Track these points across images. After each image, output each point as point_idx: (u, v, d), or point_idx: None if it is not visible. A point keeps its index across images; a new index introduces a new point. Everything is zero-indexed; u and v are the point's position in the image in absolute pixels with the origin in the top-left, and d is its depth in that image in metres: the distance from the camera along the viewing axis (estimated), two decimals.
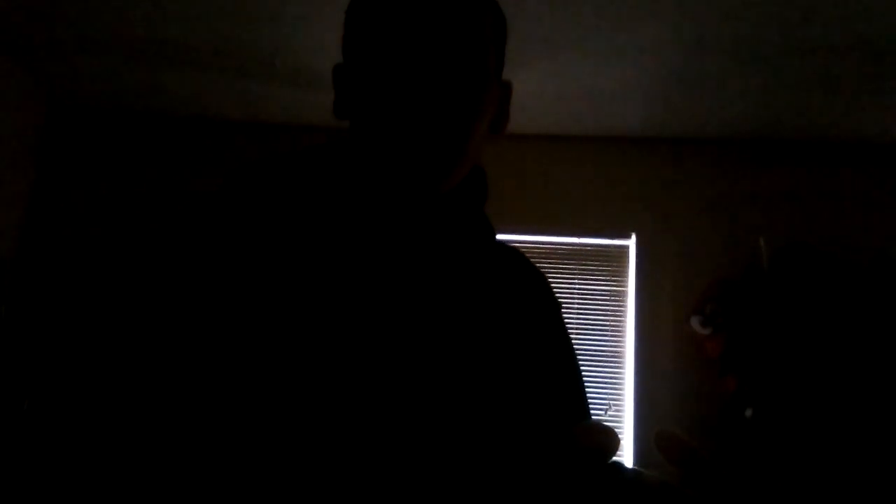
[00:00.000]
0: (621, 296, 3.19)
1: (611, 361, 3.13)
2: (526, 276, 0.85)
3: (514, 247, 0.87)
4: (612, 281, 3.22)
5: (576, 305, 3.18)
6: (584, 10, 2.36)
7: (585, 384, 0.85)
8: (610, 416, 3.06)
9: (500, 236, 0.87)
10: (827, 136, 3.16)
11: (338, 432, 0.61)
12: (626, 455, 3.00)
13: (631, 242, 3.24)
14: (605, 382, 3.10)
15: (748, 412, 2.69)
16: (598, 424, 0.66)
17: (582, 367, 0.87)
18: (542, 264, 3.21)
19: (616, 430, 3.03)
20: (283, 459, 0.61)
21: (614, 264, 3.24)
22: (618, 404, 3.07)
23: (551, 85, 2.89)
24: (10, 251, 3.16)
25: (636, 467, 2.82)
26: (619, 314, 3.18)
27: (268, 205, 0.72)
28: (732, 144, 3.27)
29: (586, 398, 0.84)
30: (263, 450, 0.61)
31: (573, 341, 0.86)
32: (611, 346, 3.14)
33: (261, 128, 3.41)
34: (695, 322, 2.97)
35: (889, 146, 3.17)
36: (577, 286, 3.21)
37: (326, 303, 0.65)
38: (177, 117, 3.43)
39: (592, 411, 0.86)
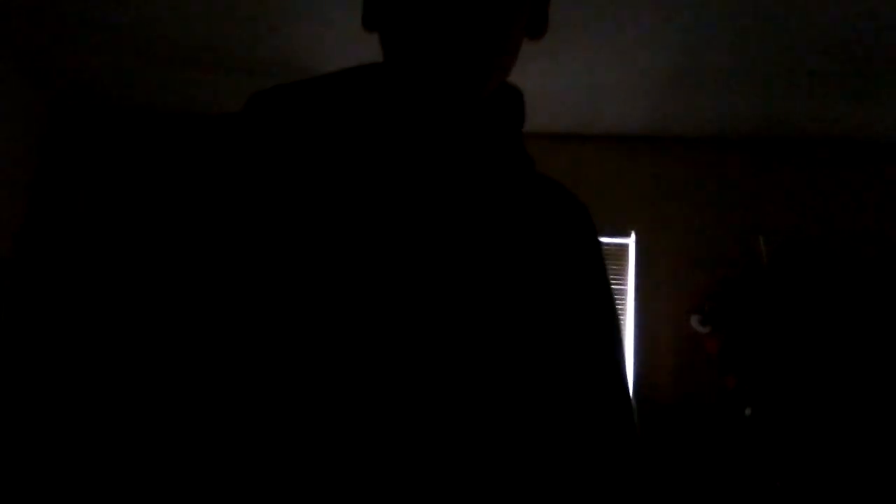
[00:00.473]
0: (621, 294, 3.20)
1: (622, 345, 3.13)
2: (565, 211, 0.79)
3: (552, 179, 0.81)
4: (611, 279, 3.22)
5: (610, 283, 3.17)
6: (583, 10, 2.36)
7: (620, 326, 0.81)
8: None
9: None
10: (827, 135, 3.16)
11: (349, 390, 0.58)
12: None
13: (630, 241, 3.24)
14: None
15: (747, 410, 2.70)
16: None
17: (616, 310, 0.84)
18: None
19: None
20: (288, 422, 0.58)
21: (614, 262, 3.24)
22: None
23: (551, 83, 2.90)
24: (9, 251, 3.17)
25: None
26: (619, 312, 3.18)
27: (289, 125, 0.68)
28: (732, 144, 3.27)
29: (620, 345, 0.80)
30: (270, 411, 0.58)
31: (609, 283, 0.81)
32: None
33: None
34: (694, 320, 2.97)
35: (889, 146, 3.17)
36: None
37: (348, 234, 0.61)
38: (177, 116, 3.43)
39: (621, 358, 0.82)
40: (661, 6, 2.32)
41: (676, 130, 3.25)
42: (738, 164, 3.26)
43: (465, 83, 0.65)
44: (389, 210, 0.63)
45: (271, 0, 2.44)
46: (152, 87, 3.17)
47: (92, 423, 0.66)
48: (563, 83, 2.89)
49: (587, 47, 2.61)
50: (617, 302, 3.31)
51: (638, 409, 3.02)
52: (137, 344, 0.66)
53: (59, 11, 2.60)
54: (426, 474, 0.57)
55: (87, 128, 3.46)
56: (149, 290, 0.66)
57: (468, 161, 0.69)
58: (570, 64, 2.74)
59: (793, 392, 2.63)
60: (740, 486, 2.74)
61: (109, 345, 0.68)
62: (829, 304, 2.72)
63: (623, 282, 3.21)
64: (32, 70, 3.11)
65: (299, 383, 0.58)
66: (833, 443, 2.55)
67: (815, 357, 2.64)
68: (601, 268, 0.79)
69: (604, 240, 3.22)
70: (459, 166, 0.68)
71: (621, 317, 3.09)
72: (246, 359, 0.60)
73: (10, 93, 3.09)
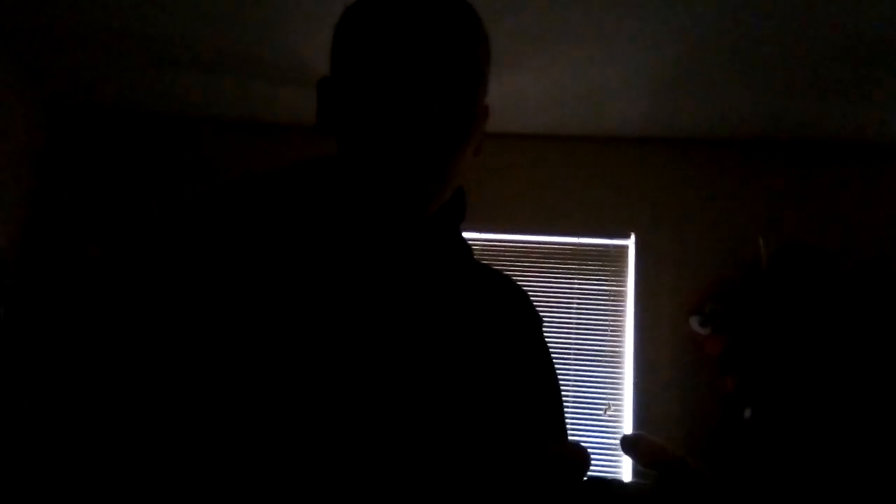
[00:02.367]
0: (621, 296, 3.20)
1: (610, 361, 3.13)
2: (504, 294, 0.83)
3: (490, 266, 0.87)
4: (611, 281, 3.22)
5: (575, 305, 3.18)
6: (583, 10, 2.36)
7: (563, 402, 0.84)
8: (609, 416, 3.06)
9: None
10: (826, 136, 3.16)
11: (319, 449, 0.62)
12: (624, 455, 3.00)
13: (630, 242, 3.24)
14: (605, 382, 3.10)
15: (747, 412, 2.70)
16: (573, 443, 0.65)
17: (567, 381, 0.88)
18: (541, 264, 3.24)
19: (618, 434, 3.03)
20: (266, 474, 0.62)
21: (614, 264, 3.24)
22: (617, 404, 3.07)
23: (551, 84, 2.90)
24: (10, 252, 3.16)
25: (619, 479, 2.83)
26: (619, 314, 3.18)
27: (258, 218, 0.71)
28: (732, 144, 3.27)
29: (563, 416, 0.84)
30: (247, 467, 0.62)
31: (554, 357, 0.85)
32: (610, 346, 3.15)
33: (261, 128, 3.41)
34: (694, 322, 2.97)
35: (889, 146, 3.17)
36: (576, 286, 3.21)
37: (309, 322, 0.65)
38: (177, 117, 3.43)
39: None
40: (661, 7, 2.32)
41: (677, 132, 3.25)
42: (738, 166, 3.26)
43: (415, 202, 0.70)
44: (343, 296, 0.67)
45: (271, 1, 2.44)
46: (152, 88, 3.17)
47: (91, 426, 0.67)
48: (562, 84, 2.89)
49: (587, 48, 2.61)
50: (611, 296, 3.27)
51: (637, 409, 3.02)
52: (136, 357, 0.69)
53: (58, 13, 2.60)
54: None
55: (86, 129, 3.46)
56: (150, 311, 0.71)
57: (415, 253, 0.74)
58: (570, 65, 2.73)
59: (793, 394, 2.63)
60: (740, 488, 2.73)
61: (110, 356, 0.70)
62: (829, 306, 2.72)
63: (623, 283, 3.21)
64: (32, 72, 3.11)
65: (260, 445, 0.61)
66: (833, 444, 2.55)
67: (816, 358, 2.64)
68: (541, 344, 0.83)
69: (604, 241, 3.23)
70: (408, 257, 0.73)
71: (619, 315, 3.11)
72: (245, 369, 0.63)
73: (10, 94, 3.09)
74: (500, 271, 0.86)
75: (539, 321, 0.84)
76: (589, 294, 3.20)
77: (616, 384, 3.10)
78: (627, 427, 3.02)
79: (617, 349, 3.14)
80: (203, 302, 0.66)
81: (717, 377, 2.90)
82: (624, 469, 3.00)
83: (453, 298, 0.74)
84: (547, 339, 0.85)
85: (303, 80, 2.92)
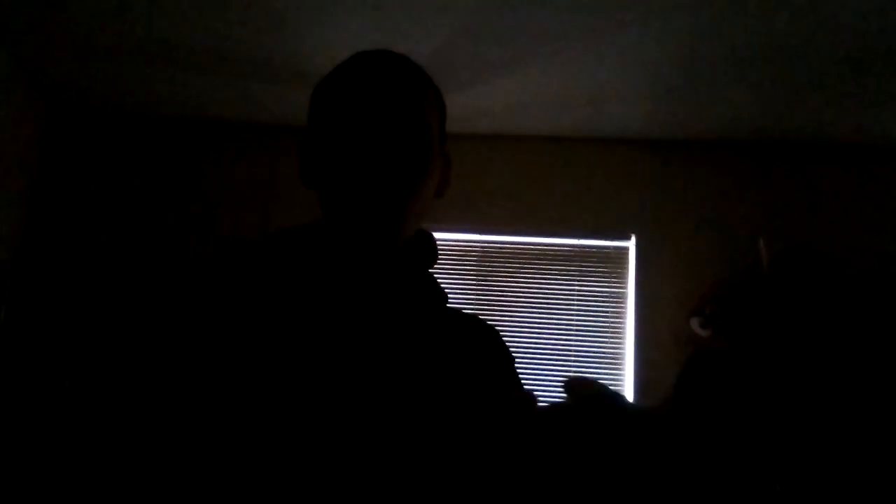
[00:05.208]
0: (621, 297, 3.19)
1: (611, 363, 3.12)
2: (474, 333, 0.92)
3: (459, 310, 0.96)
4: (611, 282, 3.22)
5: (576, 307, 3.18)
6: (584, 12, 2.36)
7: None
8: None
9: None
10: (827, 136, 3.16)
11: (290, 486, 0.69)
12: None
13: (631, 244, 3.24)
14: (605, 383, 3.09)
15: None
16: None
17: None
18: (542, 266, 3.23)
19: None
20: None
21: (614, 266, 3.23)
22: None
23: (551, 86, 2.89)
24: (10, 252, 3.16)
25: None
26: (619, 315, 3.18)
27: (249, 271, 0.83)
28: (732, 145, 3.27)
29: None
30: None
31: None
32: (611, 348, 3.14)
33: (261, 128, 3.40)
34: (694, 323, 2.97)
35: (889, 146, 3.17)
36: (576, 288, 3.20)
37: (284, 363, 0.75)
38: (177, 118, 3.43)
39: None
40: (662, 8, 2.32)
41: (677, 133, 3.25)
42: (738, 167, 3.26)
43: (383, 235, 0.81)
44: (325, 338, 0.78)
45: (271, 3, 2.43)
46: (152, 90, 3.17)
47: (91, 427, 0.70)
48: (563, 85, 2.89)
49: (587, 49, 2.61)
50: (612, 298, 3.25)
51: (638, 410, 3.01)
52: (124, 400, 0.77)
53: (58, 15, 2.60)
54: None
55: (86, 130, 3.46)
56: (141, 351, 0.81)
57: (388, 296, 0.85)
58: (571, 66, 2.73)
59: (793, 395, 2.62)
60: (740, 490, 2.73)
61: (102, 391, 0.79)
62: (829, 308, 2.72)
63: (623, 285, 3.21)
64: (32, 72, 3.10)
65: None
66: (833, 446, 2.55)
67: (816, 360, 2.64)
68: (514, 380, 0.92)
69: (604, 243, 3.23)
70: (381, 300, 0.84)
71: (619, 317, 3.10)
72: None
73: (10, 96, 3.08)
74: (473, 315, 0.96)
75: (510, 360, 0.93)
76: (589, 295, 3.20)
77: (616, 385, 3.09)
78: None
79: (617, 350, 3.14)
80: (198, 333, 0.77)
81: None
82: None
83: (421, 338, 0.83)
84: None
85: (302, 81, 2.92)
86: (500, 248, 3.27)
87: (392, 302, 0.85)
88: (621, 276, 3.22)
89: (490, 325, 0.95)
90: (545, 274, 3.22)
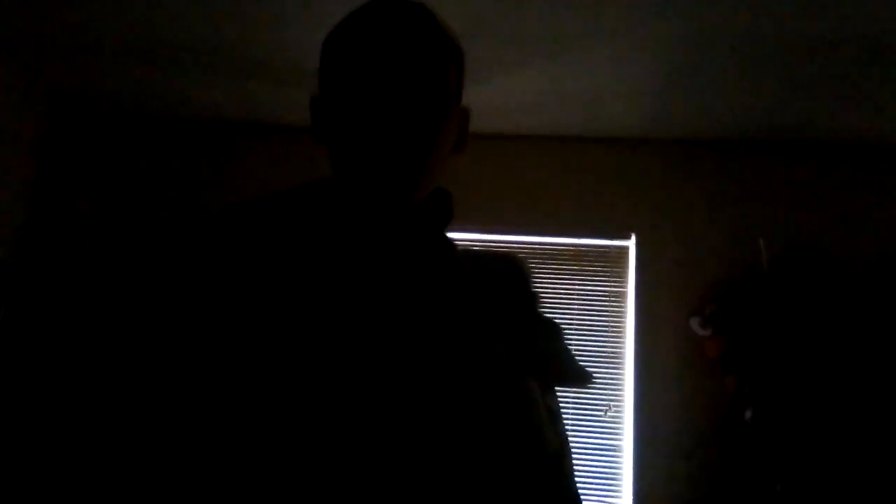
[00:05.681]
0: (621, 296, 3.19)
1: (611, 362, 3.12)
2: (495, 280, 0.90)
3: (482, 252, 0.93)
4: (612, 281, 3.22)
5: (576, 306, 3.18)
6: (584, 11, 2.36)
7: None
8: (609, 416, 3.06)
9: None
10: (827, 136, 3.16)
11: (330, 439, 0.66)
12: (625, 456, 3.00)
13: (631, 243, 3.24)
14: (605, 383, 3.09)
15: (748, 413, 2.69)
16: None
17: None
18: (542, 265, 3.23)
19: (617, 427, 3.03)
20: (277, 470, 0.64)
21: (614, 265, 3.24)
22: (618, 405, 3.07)
23: (551, 85, 2.89)
24: (10, 252, 3.16)
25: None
26: (619, 315, 3.18)
27: (261, 229, 0.79)
28: (732, 144, 3.27)
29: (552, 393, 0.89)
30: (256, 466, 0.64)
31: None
32: (611, 347, 3.14)
33: (261, 128, 3.41)
34: (694, 323, 2.97)
35: (889, 146, 3.17)
36: (577, 287, 3.20)
37: (304, 322, 0.71)
38: (177, 117, 3.43)
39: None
40: (661, 8, 2.32)
41: (677, 133, 3.25)
42: (738, 167, 3.26)
43: (399, 192, 0.78)
44: (345, 295, 0.74)
45: (271, 2, 2.43)
46: (151, 89, 3.17)
47: (93, 428, 0.69)
48: (563, 85, 2.89)
49: (587, 49, 2.60)
50: (612, 297, 3.26)
51: (638, 409, 3.01)
52: (145, 358, 0.74)
53: (58, 14, 2.60)
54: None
55: (86, 130, 3.46)
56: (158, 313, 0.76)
57: (406, 252, 0.81)
58: (571, 66, 2.73)
59: (793, 395, 2.62)
60: (741, 489, 2.73)
61: (116, 358, 0.74)
62: (829, 307, 2.72)
63: (623, 284, 3.21)
64: (32, 73, 3.10)
65: (286, 450, 0.65)
66: (833, 445, 2.55)
67: (816, 359, 2.64)
68: (537, 320, 0.92)
69: (604, 242, 3.23)
70: (397, 260, 0.79)
71: (620, 316, 3.10)
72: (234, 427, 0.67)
73: (10, 95, 3.08)
74: (495, 254, 0.92)
75: (533, 298, 0.93)
76: (589, 295, 3.20)
77: (616, 385, 3.10)
78: (627, 427, 3.02)
79: (617, 350, 3.14)
80: (207, 303, 0.73)
81: (718, 378, 2.89)
82: (624, 468, 2.99)
83: (440, 293, 0.80)
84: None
85: (303, 81, 2.92)
86: (500, 247, 3.27)
87: (409, 261, 0.80)
88: (621, 276, 3.22)
89: (509, 258, 0.93)
90: (545, 273, 3.22)
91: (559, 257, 3.24)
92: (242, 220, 0.79)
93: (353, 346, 0.70)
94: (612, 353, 3.14)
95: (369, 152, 0.76)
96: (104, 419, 0.71)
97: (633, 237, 3.23)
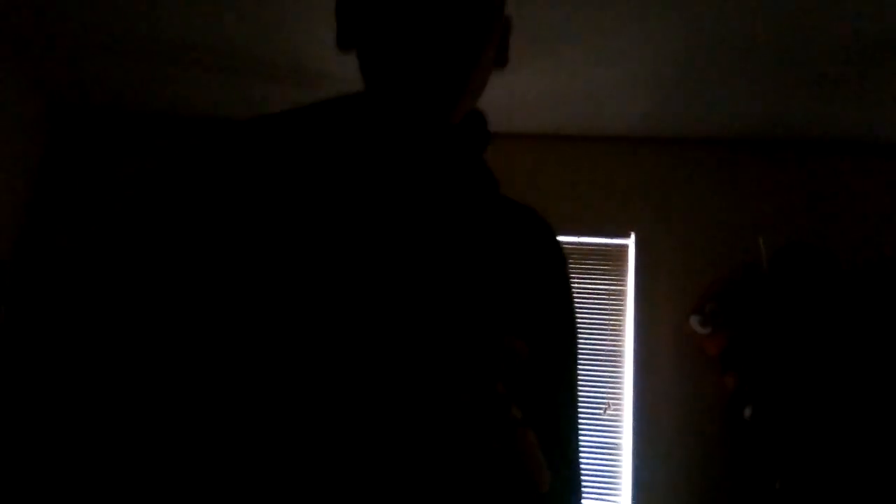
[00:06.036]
0: (620, 295, 3.20)
1: (610, 360, 3.13)
2: (528, 229, 0.81)
3: (515, 201, 0.82)
4: (611, 280, 3.22)
5: (575, 305, 3.17)
6: (583, 10, 2.36)
7: (576, 345, 0.83)
8: (609, 415, 3.06)
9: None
10: (827, 134, 3.16)
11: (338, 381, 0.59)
12: (624, 455, 3.00)
13: (630, 241, 3.24)
14: (605, 382, 3.10)
15: (747, 412, 2.70)
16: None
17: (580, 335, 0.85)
18: None
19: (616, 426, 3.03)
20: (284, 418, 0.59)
21: (613, 263, 3.24)
22: (617, 403, 3.07)
23: (551, 84, 2.90)
24: (9, 252, 3.16)
25: None
26: (619, 313, 3.18)
27: (275, 142, 0.71)
28: (733, 143, 3.27)
29: (572, 363, 0.82)
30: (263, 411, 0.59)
31: (571, 297, 0.83)
32: (610, 346, 3.15)
33: None
34: (694, 321, 2.97)
35: (889, 146, 3.17)
36: (576, 285, 3.19)
37: (325, 238, 0.63)
38: (177, 117, 3.43)
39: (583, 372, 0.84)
40: (661, 7, 2.32)
41: (677, 131, 3.25)
42: (738, 165, 3.26)
43: (438, 106, 0.68)
44: (368, 221, 0.65)
45: (271, 1, 2.44)
46: (152, 88, 3.17)
47: (91, 424, 0.66)
48: (563, 83, 2.89)
49: (587, 47, 2.61)
50: (611, 296, 3.26)
51: (637, 408, 3.02)
52: (136, 344, 0.66)
53: (59, 13, 2.60)
54: (418, 472, 0.57)
55: (86, 129, 3.46)
56: (147, 290, 0.67)
57: (438, 179, 0.72)
58: (570, 64, 2.74)
59: (793, 393, 2.63)
60: (740, 488, 2.74)
61: (108, 345, 0.68)
62: (829, 306, 2.72)
63: (623, 283, 3.21)
64: (32, 72, 3.11)
65: (294, 381, 0.59)
66: (833, 444, 2.55)
67: (816, 358, 2.64)
68: (565, 288, 0.82)
69: (604, 240, 3.23)
70: (430, 184, 0.71)
71: (619, 314, 3.11)
72: (243, 356, 0.60)
73: (10, 94, 3.09)
74: (529, 207, 0.82)
75: (563, 261, 0.83)
76: (589, 293, 3.20)
77: (616, 384, 3.10)
78: (627, 426, 3.03)
79: (617, 348, 3.14)
80: (216, 221, 0.66)
81: (718, 377, 2.90)
82: (624, 469, 3.00)
83: (471, 224, 0.72)
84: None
85: (303, 80, 2.93)
86: None
87: (443, 186, 0.72)
88: (621, 274, 3.22)
89: (544, 220, 0.82)
90: None
91: None
92: (254, 133, 0.73)
93: (352, 278, 0.62)
94: (612, 351, 3.14)
95: (407, 60, 0.66)
96: (101, 417, 0.68)
97: (633, 235, 3.23)
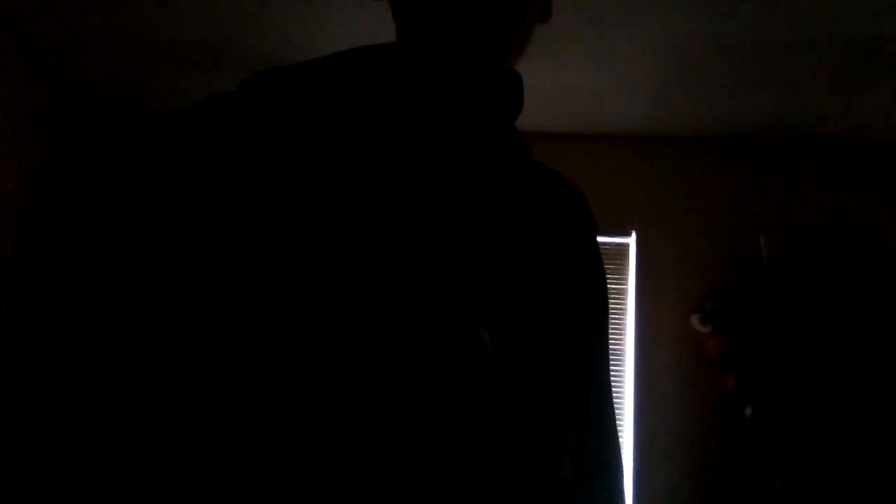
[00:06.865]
0: (621, 293, 3.20)
1: (610, 359, 3.13)
2: (561, 199, 0.77)
3: (549, 169, 0.79)
4: (612, 278, 3.22)
5: (605, 274, 3.17)
6: (583, 9, 2.36)
7: (608, 319, 0.80)
8: None
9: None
10: (827, 135, 3.16)
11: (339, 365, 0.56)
12: (625, 454, 3.01)
13: (631, 240, 3.24)
14: None
15: (748, 410, 2.70)
16: None
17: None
18: None
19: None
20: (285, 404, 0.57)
21: (614, 262, 3.24)
22: (617, 402, 3.08)
23: (552, 83, 2.89)
24: (9, 251, 3.17)
25: None
26: (619, 312, 3.18)
27: (285, 109, 0.66)
28: (733, 142, 3.27)
29: (604, 338, 0.79)
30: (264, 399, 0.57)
31: (603, 273, 0.80)
32: (610, 344, 3.14)
33: None
34: (695, 320, 2.97)
35: (889, 146, 3.17)
36: None
37: (345, 224, 0.59)
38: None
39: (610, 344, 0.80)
40: (661, 7, 2.32)
41: (677, 130, 3.25)
42: (739, 164, 3.26)
43: (481, 66, 0.63)
44: (387, 200, 0.60)
45: (273, 1, 2.44)
46: (152, 87, 3.17)
47: (89, 423, 0.65)
48: (563, 82, 2.89)
49: (587, 47, 2.61)
50: (612, 294, 3.29)
51: (637, 407, 3.02)
52: (135, 340, 0.64)
53: (59, 12, 2.60)
54: (422, 471, 0.55)
55: (87, 128, 3.46)
56: (144, 287, 0.64)
57: (471, 146, 0.67)
58: (571, 63, 2.73)
59: (793, 392, 2.63)
60: (741, 486, 2.74)
61: (107, 343, 0.67)
62: (829, 305, 2.72)
63: (623, 281, 3.21)
64: (32, 72, 3.10)
65: (296, 379, 0.56)
66: (833, 443, 2.55)
67: (816, 357, 2.64)
68: (595, 258, 0.78)
69: (604, 239, 3.23)
70: (462, 152, 0.66)
71: (619, 313, 3.11)
72: (244, 352, 0.58)
73: (10, 92, 3.08)
74: (559, 175, 0.79)
75: (594, 227, 0.80)
76: None
77: (616, 381, 3.10)
78: (627, 425, 3.03)
79: (617, 347, 3.15)
80: (220, 197, 0.62)
81: (718, 375, 2.90)
82: (624, 465, 3.00)
83: (504, 198, 0.68)
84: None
85: None
86: None
87: (476, 150, 0.67)
88: (622, 273, 3.22)
89: (576, 190, 0.79)
90: None
91: None
92: (271, 88, 0.66)
93: (364, 247, 0.57)
94: (612, 349, 3.14)
95: (449, 11, 0.61)
96: (99, 416, 0.66)
97: (634, 234, 3.23)
